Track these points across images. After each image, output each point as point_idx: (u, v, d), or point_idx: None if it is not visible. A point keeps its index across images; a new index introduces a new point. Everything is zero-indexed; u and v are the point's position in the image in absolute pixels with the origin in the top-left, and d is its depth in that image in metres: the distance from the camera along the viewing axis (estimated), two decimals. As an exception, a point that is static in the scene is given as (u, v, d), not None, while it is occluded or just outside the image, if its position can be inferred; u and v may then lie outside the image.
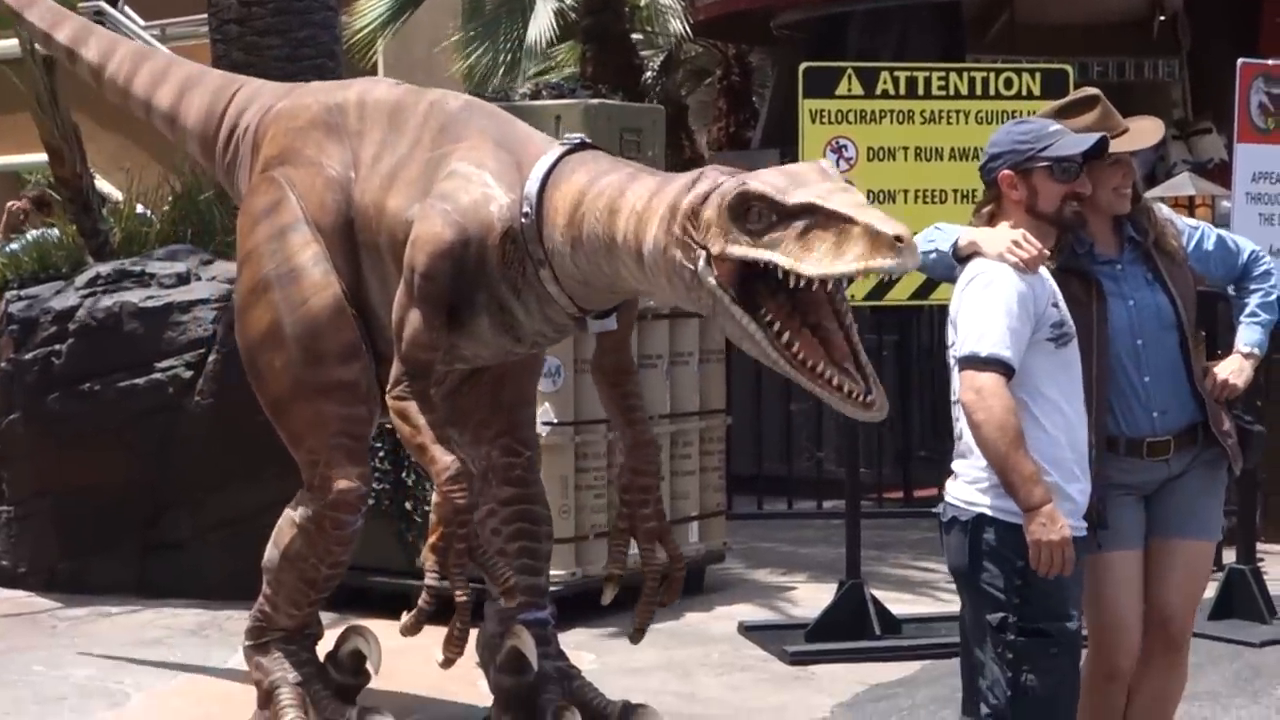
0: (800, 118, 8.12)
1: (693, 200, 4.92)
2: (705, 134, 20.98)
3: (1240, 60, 8.51)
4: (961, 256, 5.17)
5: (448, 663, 5.63)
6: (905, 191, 8.22)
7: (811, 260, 4.67)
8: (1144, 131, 5.52)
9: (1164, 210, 5.68)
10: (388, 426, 6.16)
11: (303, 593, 6.14)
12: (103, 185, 12.58)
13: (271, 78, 6.83)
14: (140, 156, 17.89)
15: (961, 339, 5.00)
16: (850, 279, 4.71)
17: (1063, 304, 5.09)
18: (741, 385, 11.54)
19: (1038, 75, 8.43)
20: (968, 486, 5.06)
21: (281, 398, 6.09)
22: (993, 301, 4.96)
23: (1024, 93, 8.32)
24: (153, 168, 12.14)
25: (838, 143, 8.18)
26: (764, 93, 19.46)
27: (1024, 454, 4.85)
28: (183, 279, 9.56)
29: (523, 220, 5.46)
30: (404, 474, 8.48)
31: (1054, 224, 5.19)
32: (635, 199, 5.14)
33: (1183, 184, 13.00)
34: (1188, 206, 12.34)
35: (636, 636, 5.99)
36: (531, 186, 5.46)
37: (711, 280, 4.85)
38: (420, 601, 5.50)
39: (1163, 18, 16.43)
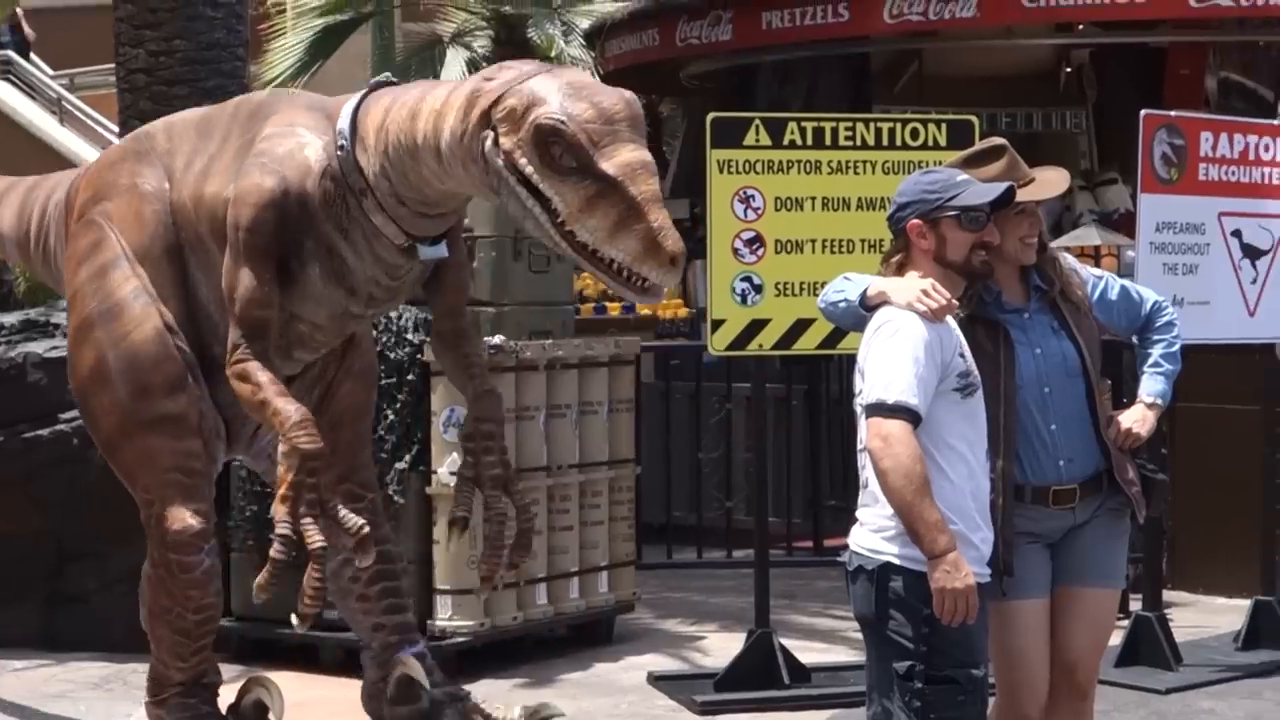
0: (708, 168, 8.14)
1: (497, 87, 5.05)
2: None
3: (1144, 111, 8.58)
4: (870, 306, 5.19)
5: (304, 619, 5.42)
6: (813, 241, 8.24)
7: (589, 226, 4.85)
8: (1050, 182, 5.57)
9: (1069, 260, 5.72)
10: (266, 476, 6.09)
11: (180, 644, 5.99)
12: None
13: (178, 127, 6.80)
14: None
15: (869, 386, 5.01)
16: (611, 263, 4.82)
17: (969, 354, 5.11)
18: (651, 435, 11.54)
19: (943, 126, 8.49)
20: (873, 535, 5.07)
21: (111, 436, 5.99)
22: (900, 349, 4.97)
23: (930, 143, 8.37)
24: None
25: (745, 193, 8.20)
26: (674, 143, 19.51)
27: (929, 502, 4.86)
28: (88, 329, 9.46)
29: (338, 154, 5.49)
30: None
31: (962, 273, 5.21)
32: (434, 100, 5.26)
33: (1089, 234, 13.12)
34: (1094, 256, 12.44)
35: (483, 587, 5.89)
36: (343, 121, 5.51)
37: (499, 162, 4.98)
38: (272, 552, 5.34)
39: (1069, 70, 16.61)
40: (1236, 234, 8.83)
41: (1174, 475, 6.50)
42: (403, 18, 21.01)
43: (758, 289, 8.19)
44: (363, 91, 5.62)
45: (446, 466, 8.41)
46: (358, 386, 6.31)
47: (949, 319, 5.08)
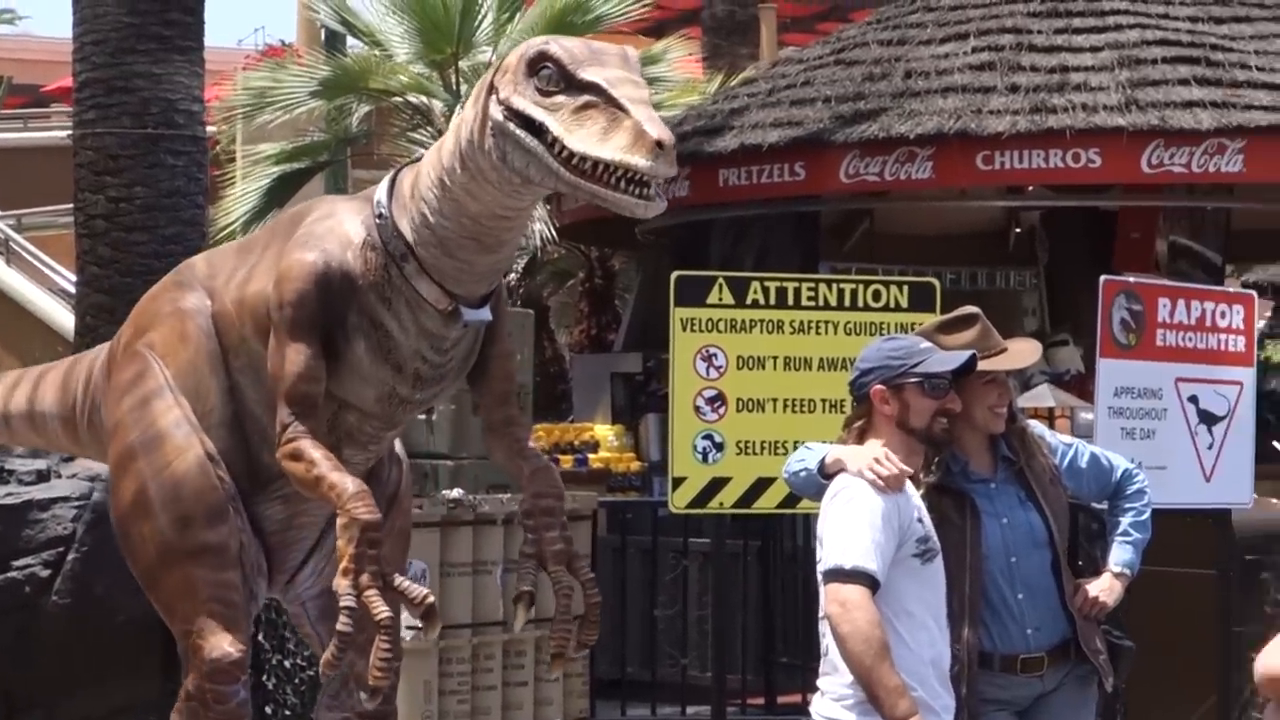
0: (671, 326, 8.18)
1: (498, 64, 5.16)
2: (567, 335, 21.06)
3: (1103, 277, 8.65)
4: (827, 474, 5.20)
5: (374, 693, 5.42)
6: (774, 400, 8.28)
7: (579, 136, 4.88)
8: (1021, 353, 5.62)
9: (1037, 428, 5.75)
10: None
11: None
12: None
13: (136, 273, 6.80)
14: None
15: (826, 553, 5.03)
16: (607, 165, 4.84)
17: (928, 520, 5.14)
18: (605, 588, 11.44)
19: (905, 288, 8.56)
20: (834, 704, 5.06)
21: (151, 566, 5.95)
22: (857, 515, 5.00)
23: (892, 305, 8.44)
24: (6, 358, 12.03)
25: (708, 351, 8.25)
26: (626, 296, 19.59)
27: (889, 667, 4.87)
28: (43, 475, 9.41)
29: (377, 223, 5.50)
30: (264, 677, 8.38)
31: (924, 440, 5.26)
32: (454, 127, 5.31)
33: (1043, 395, 13.16)
34: (1048, 417, 12.47)
35: (555, 664, 5.83)
36: (380, 193, 5.55)
37: (499, 116, 5.04)
38: (338, 626, 5.27)
39: (1019, 230, 16.76)
40: (1193, 399, 8.88)
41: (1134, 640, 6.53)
42: (356, 165, 21.11)
43: (719, 447, 8.21)
44: (400, 166, 5.67)
45: (404, 620, 8.34)
46: (396, 547, 6.27)
47: (908, 485, 5.11)
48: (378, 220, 5.52)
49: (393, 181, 5.57)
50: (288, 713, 8.42)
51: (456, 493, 8.75)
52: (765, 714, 11.99)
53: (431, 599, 5.43)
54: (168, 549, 5.89)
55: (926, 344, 5.34)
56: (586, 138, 4.88)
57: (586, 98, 4.93)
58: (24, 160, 26.13)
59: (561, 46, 5.02)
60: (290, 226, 5.85)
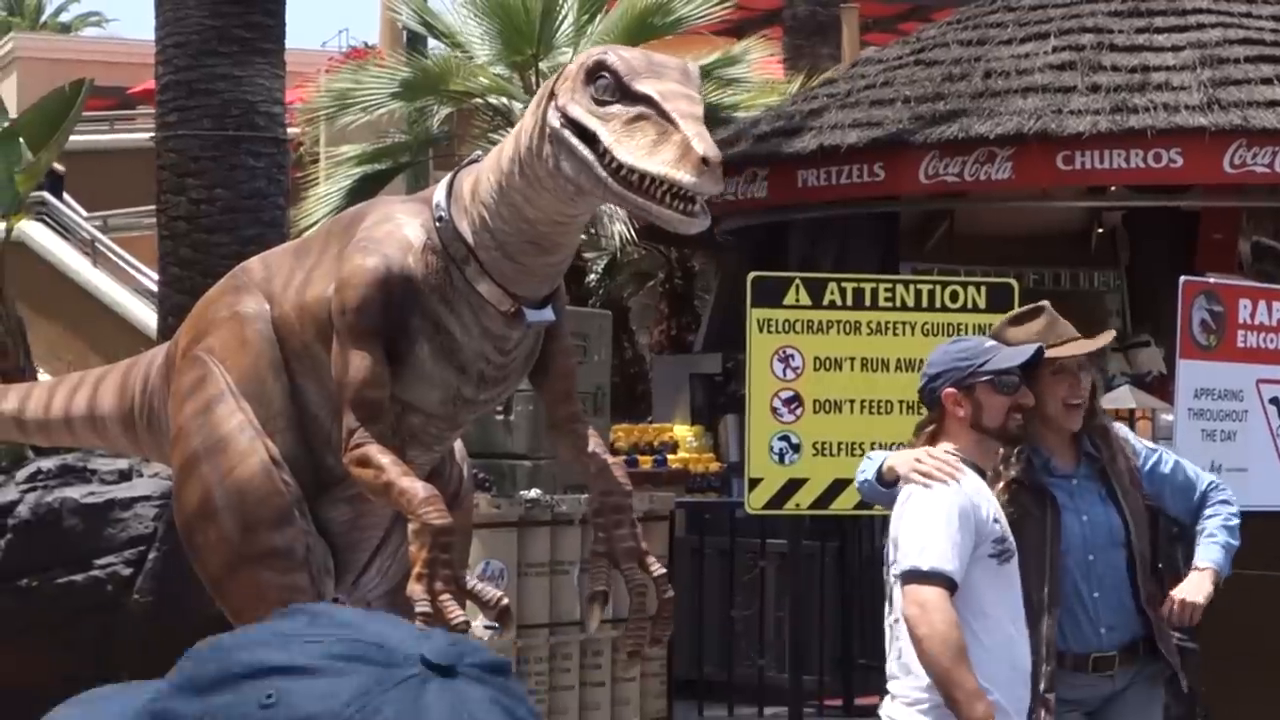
0: (748, 327, 8.18)
1: (563, 71, 5.19)
2: (647, 336, 21.07)
3: (1183, 278, 8.61)
4: (885, 482, 5.20)
5: None
6: (851, 401, 8.27)
7: (628, 147, 4.90)
8: (1086, 340, 5.58)
9: (1122, 430, 5.72)
10: None
11: None
12: (43, 376, 12.53)
13: (217, 275, 6.79)
14: (79, 345, 17.88)
15: (902, 554, 5.00)
16: (654, 178, 4.84)
17: (1004, 520, 5.10)
18: (682, 589, 11.48)
19: (983, 289, 8.54)
20: (908, 709, 5.03)
21: (219, 573, 5.99)
22: (934, 515, 4.97)
23: (969, 305, 8.41)
24: (91, 357, 12.13)
25: (785, 351, 8.24)
26: (706, 296, 19.57)
27: (967, 669, 4.84)
28: (125, 475, 9.50)
29: (437, 226, 5.51)
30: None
31: (1000, 438, 5.23)
32: (515, 132, 5.34)
33: (1123, 397, 13.10)
34: (1129, 419, 12.42)
35: (630, 661, 5.87)
36: (439, 195, 5.55)
37: (556, 123, 5.06)
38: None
39: (1101, 231, 16.66)
40: (1274, 401, 8.83)
41: (1210, 644, 6.46)
42: (437, 166, 21.20)
43: (795, 448, 8.21)
44: (457, 169, 5.67)
45: (483, 619, 8.37)
46: (459, 547, 6.30)
47: (983, 486, 5.08)
48: (437, 223, 5.53)
49: (451, 183, 5.58)
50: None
51: (534, 493, 8.78)
52: (843, 715, 11.97)
53: (505, 600, 5.48)
54: (234, 554, 5.92)
55: (992, 343, 5.32)
56: (635, 149, 4.90)
57: (640, 109, 4.95)
58: (110, 162, 26.37)
59: (619, 56, 5.05)
60: (347, 229, 5.85)
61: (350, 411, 5.53)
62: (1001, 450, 5.35)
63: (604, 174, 4.98)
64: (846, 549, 12.50)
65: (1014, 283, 8.64)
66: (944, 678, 4.85)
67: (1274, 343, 8.88)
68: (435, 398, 5.71)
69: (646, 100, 4.94)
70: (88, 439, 7.14)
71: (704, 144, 4.79)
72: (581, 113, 5.03)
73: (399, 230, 5.60)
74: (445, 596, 5.32)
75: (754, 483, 8.26)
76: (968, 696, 4.82)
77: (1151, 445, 5.86)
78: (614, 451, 14.00)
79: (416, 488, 5.42)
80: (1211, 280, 9.03)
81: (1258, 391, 8.78)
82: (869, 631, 12.18)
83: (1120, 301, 16.84)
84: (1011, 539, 5.09)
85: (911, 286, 8.48)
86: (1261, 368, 8.81)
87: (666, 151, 4.84)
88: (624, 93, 4.98)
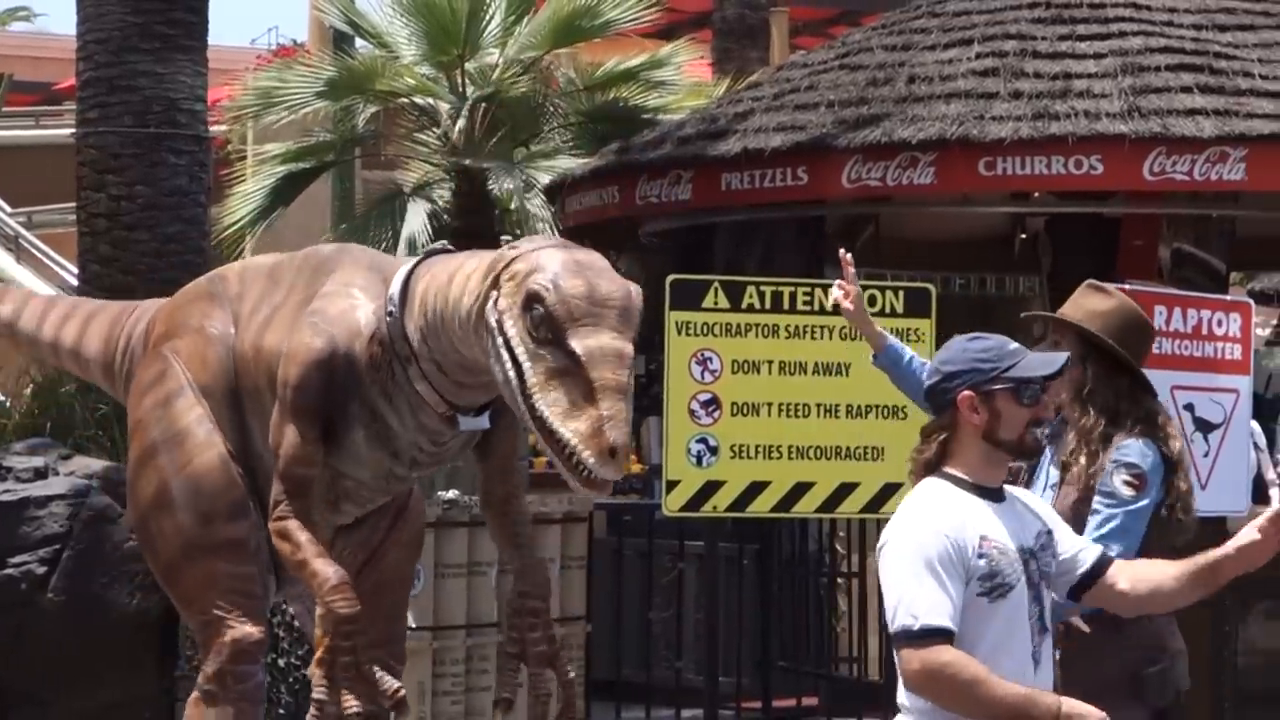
0: (666, 329, 8.19)
1: (513, 254, 5.16)
2: (572, 337, 20.98)
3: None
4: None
5: None
6: (769, 404, 8.30)
7: (548, 399, 4.94)
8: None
9: None
10: None
11: None
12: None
13: (137, 273, 6.86)
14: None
15: (891, 612, 4.57)
16: (563, 441, 4.87)
17: (995, 554, 4.60)
18: (601, 591, 11.50)
19: (900, 293, 8.57)
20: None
21: (173, 560, 6.10)
22: (913, 565, 4.54)
23: (887, 310, 8.44)
24: (15, 357, 12.04)
25: (703, 354, 8.26)
26: (631, 299, 19.54)
27: (997, 683, 4.46)
28: (40, 473, 9.41)
29: (387, 319, 5.55)
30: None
31: (1014, 452, 4.74)
32: (469, 267, 5.34)
33: (1041, 401, 13.17)
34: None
35: None
36: (394, 287, 5.57)
37: (493, 321, 5.08)
38: (310, 717, 5.42)
39: (1024, 236, 16.73)
40: (1189, 408, 8.89)
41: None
42: (363, 165, 21.12)
43: (714, 450, 8.23)
44: (418, 258, 5.70)
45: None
46: (403, 556, 6.36)
47: (965, 522, 4.61)
48: (388, 317, 5.57)
49: (408, 278, 5.58)
50: (281, 711, 8.44)
51: (452, 494, 8.77)
52: (761, 718, 11.99)
53: (403, 692, 5.61)
54: (190, 544, 6.03)
55: (1015, 345, 4.75)
56: (553, 403, 4.93)
57: (566, 363, 4.95)
58: (35, 158, 26.16)
59: (559, 296, 4.98)
60: (314, 277, 5.93)
61: (279, 482, 5.65)
62: (1012, 465, 4.96)
63: (522, 405, 5.03)
64: (765, 551, 12.53)
65: (931, 288, 8.67)
66: (993, 707, 4.43)
67: (1189, 349, 8.94)
68: (367, 474, 5.86)
69: (575, 360, 4.93)
70: (70, 368, 7.40)
71: (615, 430, 4.83)
72: (515, 336, 5.04)
73: (353, 313, 5.65)
74: (344, 684, 5.43)
75: (671, 485, 8.27)
76: (1024, 701, 4.44)
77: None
78: (535, 454, 14.04)
79: (328, 572, 5.52)
80: (1127, 287, 9.07)
81: (1173, 398, 8.83)
82: (788, 634, 12.23)
83: (1042, 306, 16.90)
84: (1004, 572, 4.59)
85: (829, 290, 8.48)
86: (1176, 374, 8.86)
87: (580, 422, 4.87)
88: (556, 340, 4.97)
